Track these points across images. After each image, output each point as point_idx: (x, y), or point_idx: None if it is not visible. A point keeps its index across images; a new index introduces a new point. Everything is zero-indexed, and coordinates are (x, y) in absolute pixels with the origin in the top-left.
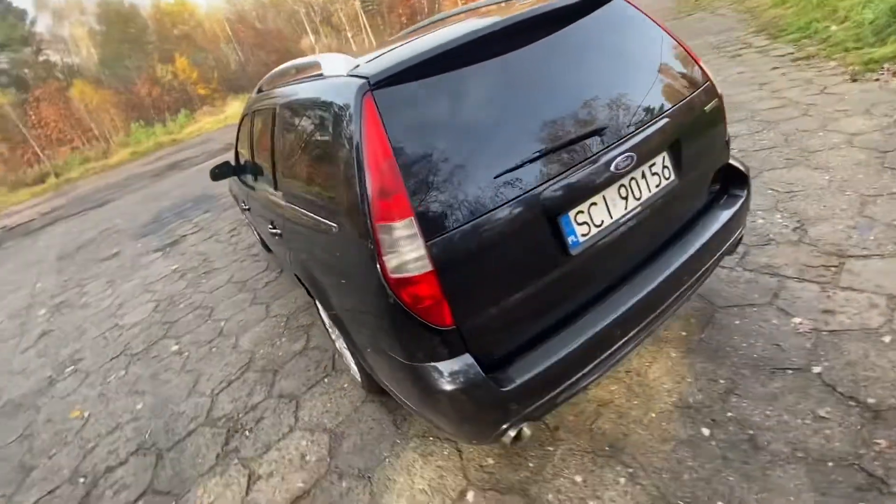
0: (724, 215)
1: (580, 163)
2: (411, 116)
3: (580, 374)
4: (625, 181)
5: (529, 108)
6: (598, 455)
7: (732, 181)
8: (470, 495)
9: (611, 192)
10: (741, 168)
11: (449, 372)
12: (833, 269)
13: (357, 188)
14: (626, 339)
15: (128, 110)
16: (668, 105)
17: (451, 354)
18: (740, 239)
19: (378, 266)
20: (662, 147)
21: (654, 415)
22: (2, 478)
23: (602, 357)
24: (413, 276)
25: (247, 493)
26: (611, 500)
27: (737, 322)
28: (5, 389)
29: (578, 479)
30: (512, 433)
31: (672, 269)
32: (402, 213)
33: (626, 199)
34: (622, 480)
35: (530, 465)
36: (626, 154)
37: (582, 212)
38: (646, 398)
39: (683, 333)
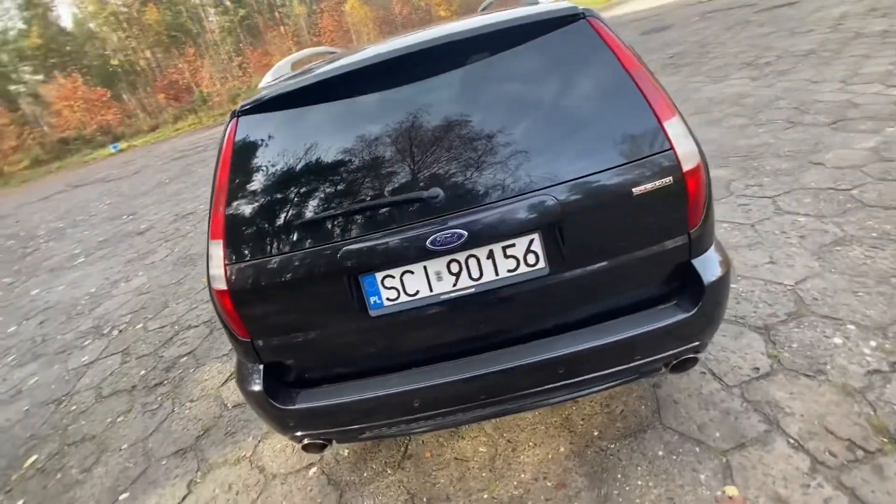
0: (649, 325)
1: (395, 228)
2: (259, 146)
3: (371, 424)
4: (458, 257)
5: (380, 155)
6: (414, 501)
7: (691, 288)
8: (313, 471)
9: (436, 266)
10: (701, 278)
11: (248, 373)
12: None
13: (210, 204)
14: (448, 410)
15: (381, 26)
16: (560, 176)
17: (252, 360)
18: (686, 361)
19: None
20: (528, 229)
21: (486, 496)
22: None
23: (411, 417)
24: (216, 290)
25: None
26: None
27: (660, 454)
28: None
29: None
30: (301, 443)
31: (534, 359)
32: (215, 233)
33: (457, 275)
34: None
35: (364, 474)
36: (452, 231)
37: (392, 277)
38: (496, 476)
39: (596, 433)
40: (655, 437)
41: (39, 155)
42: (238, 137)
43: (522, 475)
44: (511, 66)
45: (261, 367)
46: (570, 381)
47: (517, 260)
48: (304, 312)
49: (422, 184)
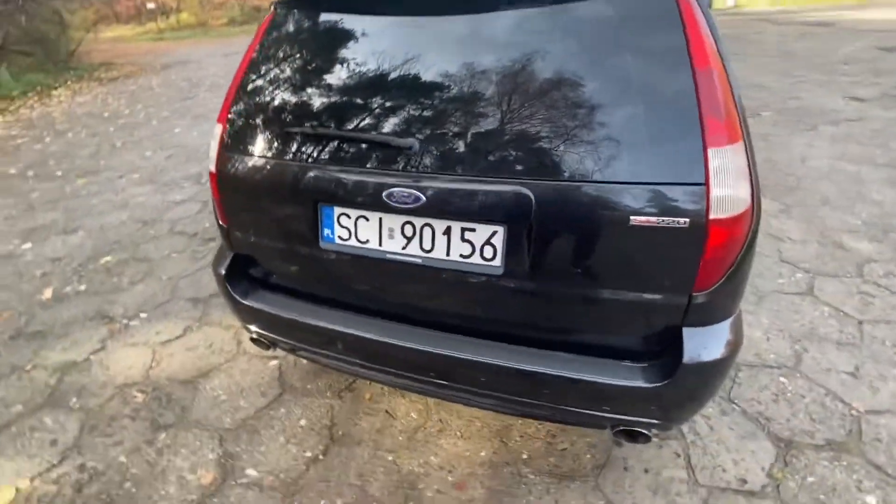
0: (600, 375)
1: (360, 168)
2: (280, 43)
3: (307, 348)
4: (415, 221)
5: (383, 87)
6: (331, 430)
7: (668, 358)
8: (273, 363)
9: (391, 221)
10: (682, 353)
11: (221, 256)
12: None
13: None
14: (378, 367)
15: None
16: (552, 172)
17: (227, 247)
18: (635, 433)
19: None
20: (493, 219)
21: (390, 458)
22: None
23: (341, 357)
24: (210, 170)
25: None
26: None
27: None
28: None
29: (303, 422)
30: (250, 335)
31: (458, 355)
32: (221, 117)
33: (408, 239)
34: (308, 454)
35: (308, 386)
36: (410, 192)
37: (348, 216)
38: (410, 446)
39: (525, 455)
40: (580, 492)
41: (236, 16)
42: (269, 28)
43: (433, 458)
44: (556, 22)
45: (231, 254)
46: (491, 393)
47: (473, 247)
48: (270, 221)
49: (403, 130)
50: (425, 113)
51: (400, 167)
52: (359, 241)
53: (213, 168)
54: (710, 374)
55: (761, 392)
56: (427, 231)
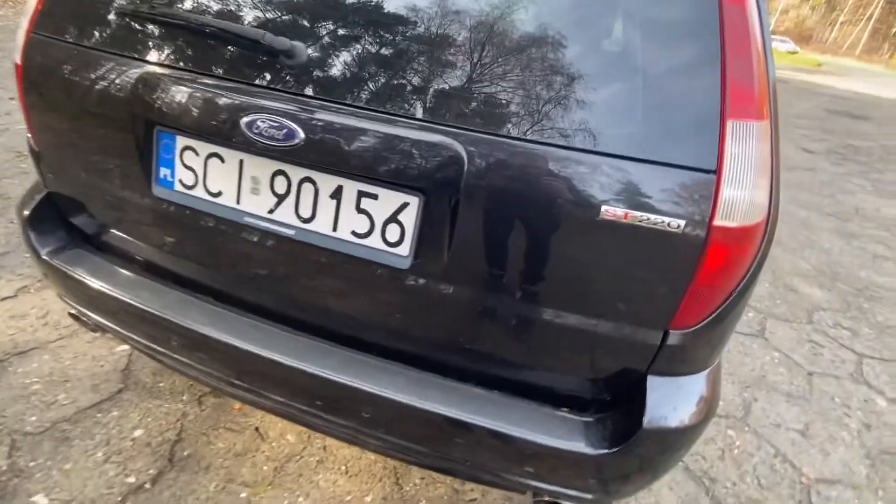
0: (529, 429)
1: (216, 76)
2: None
3: (135, 339)
4: (291, 173)
5: None
6: (174, 447)
7: (623, 415)
8: (122, 348)
9: (256, 168)
10: (643, 412)
11: (29, 193)
12: None
13: None
14: (221, 377)
15: None
16: (500, 125)
17: (41, 181)
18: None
19: None
20: (405, 183)
21: (244, 493)
22: None
23: (176, 359)
24: (15, 61)
25: None
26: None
27: None
28: None
29: (139, 433)
30: (69, 311)
31: (334, 376)
32: None
33: (279, 199)
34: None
35: (161, 385)
36: (281, 122)
37: (195, 152)
38: (275, 480)
39: None
40: None
41: None
42: None
43: (301, 499)
44: None
45: (43, 192)
46: (375, 434)
47: (371, 223)
48: (90, 146)
49: (285, 27)
50: (322, 9)
51: (270, 82)
52: (208, 191)
53: (18, 58)
54: (675, 444)
55: (707, 445)
56: (307, 189)
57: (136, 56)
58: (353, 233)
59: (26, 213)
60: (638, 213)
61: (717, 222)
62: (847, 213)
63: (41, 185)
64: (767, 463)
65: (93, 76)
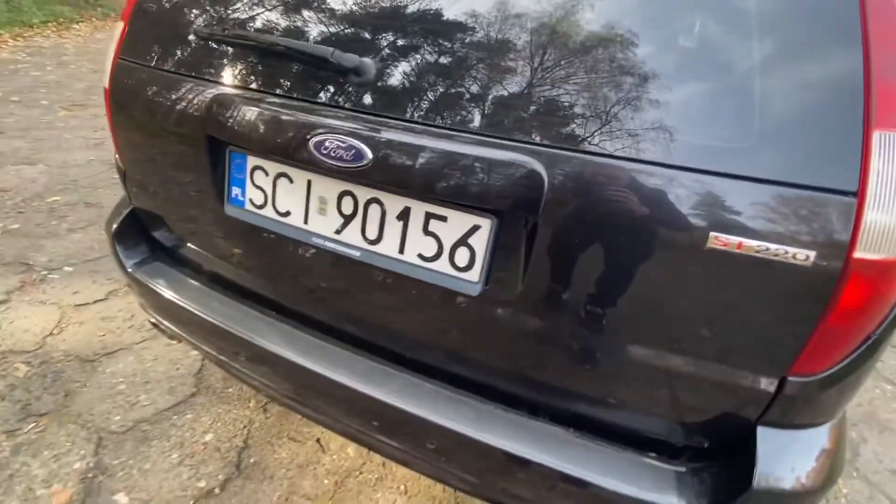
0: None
1: (283, 96)
2: None
3: (209, 352)
4: (359, 193)
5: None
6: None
7: (727, 469)
8: (195, 353)
9: (323, 188)
10: (754, 469)
11: (117, 209)
12: None
13: None
14: (287, 394)
15: None
16: (592, 139)
17: (127, 197)
18: None
19: None
20: (478, 204)
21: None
22: None
23: (245, 372)
24: (104, 86)
25: None
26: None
27: None
28: None
29: (209, 437)
30: (149, 320)
31: (398, 403)
32: (124, 12)
33: (346, 220)
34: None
35: (229, 390)
36: (348, 142)
37: (264, 172)
38: (336, 494)
39: None
40: None
41: None
42: None
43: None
44: None
45: (129, 209)
46: (437, 463)
47: (440, 247)
48: (167, 162)
49: (351, 43)
50: (389, 23)
51: (339, 101)
52: (277, 211)
53: (107, 83)
54: None
55: None
56: (374, 211)
57: (210, 78)
58: (420, 256)
59: (114, 227)
60: (755, 243)
61: (857, 254)
62: None
63: (127, 200)
64: None
65: (171, 98)
